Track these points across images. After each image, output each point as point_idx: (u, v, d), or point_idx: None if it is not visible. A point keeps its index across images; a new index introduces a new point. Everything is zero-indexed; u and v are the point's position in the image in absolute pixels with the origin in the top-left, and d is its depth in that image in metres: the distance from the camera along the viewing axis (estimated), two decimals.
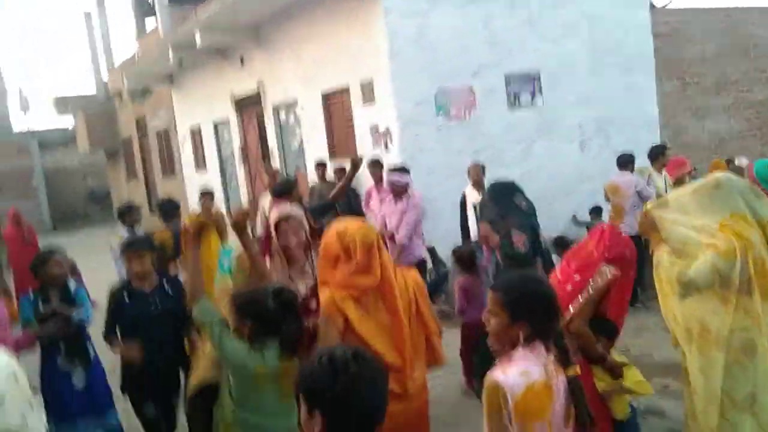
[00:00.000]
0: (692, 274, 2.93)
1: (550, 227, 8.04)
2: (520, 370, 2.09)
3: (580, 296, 3.19)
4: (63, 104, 23.05)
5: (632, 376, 3.35)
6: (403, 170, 6.83)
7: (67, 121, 26.37)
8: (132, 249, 4.12)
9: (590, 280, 3.19)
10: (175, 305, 4.09)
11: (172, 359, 4.17)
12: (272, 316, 2.72)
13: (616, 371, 3.29)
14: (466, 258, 5.35)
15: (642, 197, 7.24)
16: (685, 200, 3.11)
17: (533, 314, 2.15)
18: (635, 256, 3.38)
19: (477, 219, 7.00)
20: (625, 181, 7.30)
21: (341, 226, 2.99)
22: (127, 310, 4.02)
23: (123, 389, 4.21)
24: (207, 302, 2.90)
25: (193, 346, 4.24)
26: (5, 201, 22.58)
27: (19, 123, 34.22)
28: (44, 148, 26.46)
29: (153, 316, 4.04)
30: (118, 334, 4.11)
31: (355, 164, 5.57)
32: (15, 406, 2.12)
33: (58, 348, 4.29)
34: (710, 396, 2.98)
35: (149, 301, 4.07)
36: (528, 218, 4.97)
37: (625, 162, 7.50)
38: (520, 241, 4.79)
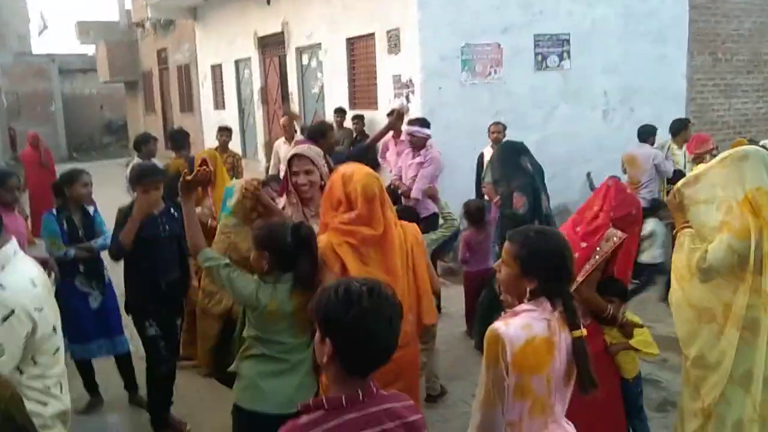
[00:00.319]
0: (711, 260, 2.92)
1: (565, 193, 8.03)
2: (523, 324, 2.11)
3: (587, 264, 3.19)
4: (85, 29, 22.88)
5: (640, 336, 3.43)
6: (423, 122, 6.77)
7: (87, 48, 26.20)
8: (148, 180, 4.14)
9: (597, 247, 3.19)
10: (181, 228, 4.07)
11: (177, 282, 4.27)
12: (290, 250, 2.76)
13: (627, 330, 3.38)
14: (473, 212, 5.39)
15: (659, 171, 7.17)
16: (711, 173, 3.08)
17: (544, 270, 2.15)
18: (641, 212, 3.47)
19: None
20: (644, 153, 7.21)
21: (348, 170, 2.91)
22: (138, 231, 4.05)
23: (127, 309, 4.30)
24: (208, 251, 2.93)
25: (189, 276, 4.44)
26: (23, 124, 22.69)
27: (39, 46, 34.03)
28: (63, 73, 26.38)
29: (160, 238, 4.12)
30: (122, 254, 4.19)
31: (400, 114, 5.52)
32: (51, 314, 2.28)
33: (77, 269, 4.40)
34: (722, 373, 3.00)
35: (157, 222, 4.14)
36: (532, 180, 4.98)
37: (647, 134, 7.39)
38: (519, 202, 4.83)
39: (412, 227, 3.04)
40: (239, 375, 2.90)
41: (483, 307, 5.39)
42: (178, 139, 6.97)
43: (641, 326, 3.47)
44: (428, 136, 6.52)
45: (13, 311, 2.11)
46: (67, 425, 2.37)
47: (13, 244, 2.25)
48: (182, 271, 4.35)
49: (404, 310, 2.88)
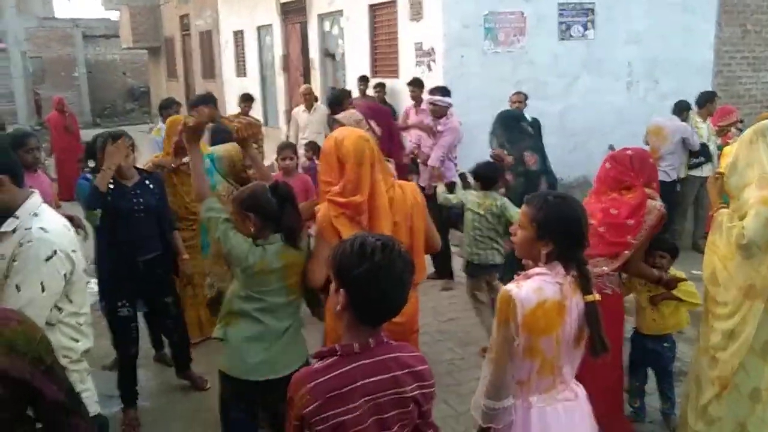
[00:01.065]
0: (750, 234, 2.92)
1: (586, 165, 8.00)
2: (535, 287, 2.16)
3: (635, 239, 3.32)
4: None
5: (684, 287, 3.68)
6: (444, 91, 6.76)
7: (110, 13, 26.24)
8: (115, 138, 3.86)
9: (643, 221, 3.32)
10: (158, 201, 4.02)
11: (158, 259, 4.05)
12: (272, 208, 2.81)
13: (671, 284, 3.64)
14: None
15: (687, 145, 7.10)
16: (741, 155, 3.11)
17: (560, 235, 2.18)
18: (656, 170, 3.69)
19: None
20: (673, 125, 7.11)
21: (341, 134, 2.91)
22: (109, 202, 3.81)
23: (101, 293, 4.08)
24: (213, 201, 2.96)
25: (178, 250, 4.25)
26: (48, 90, 22.92)
27: (62, 10, 34.12)
28: (87, 38, 26.47)
29: (134, 211, 3.89)
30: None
31: None
32: (81, 256, 2.49)
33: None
34: (743, 342, 3.03)
35: (129, 195, 3.90)
36: (537, 141, 5.62)
37: (681, 108, 7.29)
38: (531, 160, 5.34)
39: (411, 187, 3.02)
40: (225, 342, 2.92)
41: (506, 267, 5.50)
42: (204, 101, 7.04)
43: (684, 279, 3.68)
44: (449, 105, 6.51)
45: (55, 251, 2.30)
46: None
47: (37, 194, 2.42)
48: (164, 247, 4.11)
49: None
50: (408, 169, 5.99)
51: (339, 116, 3.55)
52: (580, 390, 2.34)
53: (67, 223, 2.52)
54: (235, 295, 2.92)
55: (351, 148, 2.79)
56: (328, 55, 11.38)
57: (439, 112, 6.47)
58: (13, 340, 1.60)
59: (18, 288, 2.24)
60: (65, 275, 2.35)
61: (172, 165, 4.66)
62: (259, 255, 2.81)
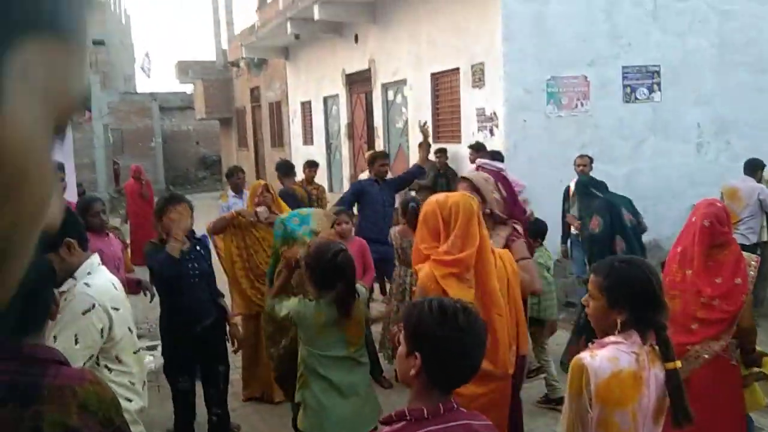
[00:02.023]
0: None
1: (655, 229, 7.75)
2: (609, 356, 2.07)
3: (745, 295, 3.23)
4: (184, 69, 24.23)
5: None
6: (495, 155, 6.76)
7: (185, 86, 27.71)
8: (179, 202, 3.88)
9: (747, 276, 3.25)
10: (209, 267, 4.06)
11: (213, 325, 4.03)
12: (328, 267, 2.94)
13: (757, 360, 3.42)
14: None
15: (764, 206, 6.83)
16: None
17: (631, 301, 2.10)
18: None
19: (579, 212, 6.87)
20: (747, 186, 6.88)
21: (441, 196, 2.99)
22: (165, 270, 3.79)
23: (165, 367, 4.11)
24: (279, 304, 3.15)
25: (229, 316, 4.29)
26: (126, 159, 24.14)
27: (143, 86, 36.30)
28: (163, 110, 27.97)
29: (189, 277, 3.88)
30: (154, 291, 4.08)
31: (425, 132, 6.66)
32: (128, 316, 2.62)
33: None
34: None
35: (185, 260, 3.87)
36: (606, 202, 5.61)
37: (754, 167, 7.07)
38: (594, 223, 5.42)
39: (508, 257, 3.04)
40: (303, 404, 3.01)
41: (578, 327, 5.43)
42: (285, 168, 7.86)
43: (766, 353, 3.46)
44: (500, 170, 6.50)
45: (93, 305, 2.42)
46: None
47: (95, 256, 2.61)
48: (218, 312, 4.10)
49: (509, 339, 2.90)
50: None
51: (468, 174, 3.65)
52: None
53: (117, 282, 2.65)
54: (302, 356, 3.02)
55: (459, 204, 2.84)
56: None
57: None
58: (86, 399, 1.64)
59: (55, 338, 2.33)
60: (102, 330, 2.44)
61: (251, 218, 4.96)
62: (313, 307, 2.94)
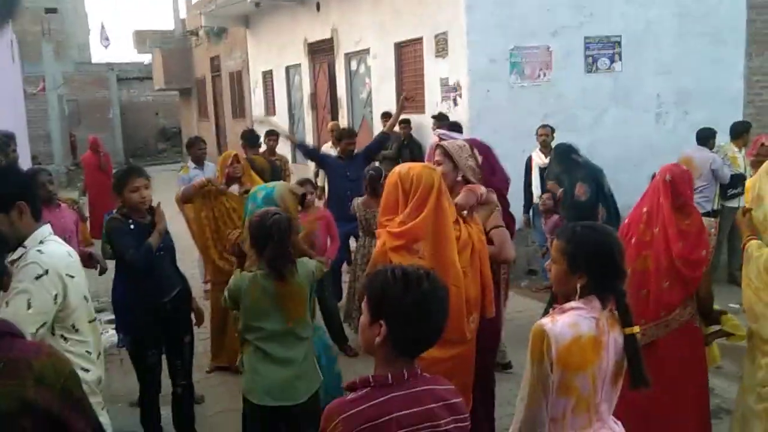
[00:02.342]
0: None
1: (615, 198, 7.88)
2: (570, 322, 2.09)
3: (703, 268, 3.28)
4: (142, 38, 23.61)
5: (730, 321, 3.43)
6: (454, 126, 6.67)
7: (143, 56, 27.03)
8: (138, 175, 3.76)
9: (709, 241, 3.30)
10: (170, 239, 3.98)
11: (180, 296, 3.98)
12: (263, 233, 2.97)
13: (717, 318, 3.47)
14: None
15: (717, 176, 6.98)
16: (765, 188, 3.04)
17: (591, 266, 2.12)
18: None
19: (541, 181, 6.93)
20: (702, 156, 7.02)
21: (404, 167, 2.98)
22: (142, 263, 3.69)
23: (126, 332, 3.97)
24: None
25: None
26: (83, 131, 23.55)
27: (99, 55, 35.27)
28: (121, 81, 27.26)
29: (157, 249, 3.77)
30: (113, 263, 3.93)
31: (402, 101, 6.41)
32: (83, 284, 2.60)
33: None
34: None
35: (147, 234, 3.77)
36: (591, 171, 5.67)
37: (706, 137, 7.21)
38: (581, 190, 5.46)
39: (477, 230, 3.05)
40: (243, 368, 3.13)
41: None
42: (251, 138, 7.81)
43: (725, 312, 3.49)
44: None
45: (46, 271, 2.37)
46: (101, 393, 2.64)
47: (48, 226, 2.55)
48: (182, 283, 4.05)
49: (470, 307, 2.92)
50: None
51: (444, 143, 3.56)
52: (619, 428, 2.24)
53: (73, 252, 2.61)
54: (241, 326, 3.07)
55: (419, 176, 2.85)
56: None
57: None
58: (42, 372, 1.59)
59: (6, 304, 2.29)
60: (56, 296, 2.40)
61: (221, 187, 4.97)
62: (248, 279, 2.97)
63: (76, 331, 2.49)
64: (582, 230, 2.19)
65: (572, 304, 2.14)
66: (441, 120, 7.79)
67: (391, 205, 2.91)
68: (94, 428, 1.68)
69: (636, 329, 2.14)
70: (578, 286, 2.13)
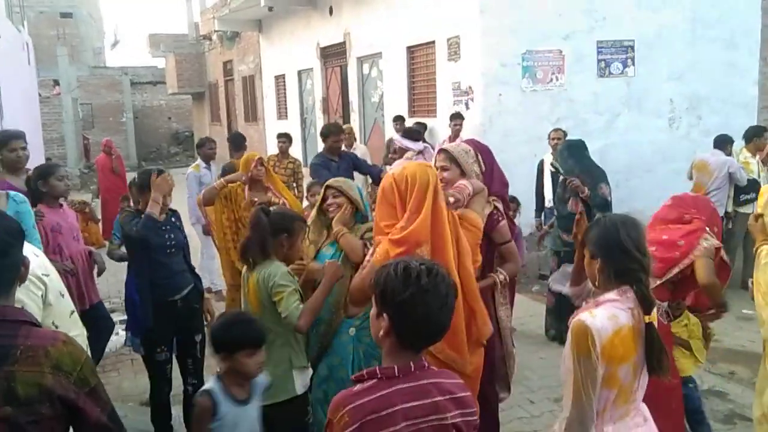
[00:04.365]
0: None
1: (627, 203, 7.85)
2: (608, 314, 2.12)
3: (682, 257, 3.35)
4: (156, 42, 23.78)
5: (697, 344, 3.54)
6: (410, 133, 6.55)
7: (156, 61, 27.22)
8: (160, 173, 3.89)
9: (696, 244, 3.36)
10: (184, 237, 4.04)
11: (192, 294, 4.00)
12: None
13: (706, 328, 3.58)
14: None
15: (734, 179, 6.95)
16: None
17: (604, 252, 2.19)
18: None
19: (553, 185, 6.90)
20: (717, 160, 6.98)
21: (398, 169, 2.81)
22: (144, 230, 3.75)
23: (136, 331, 3.97)
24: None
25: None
26: (97, 134, 23.74)
27: (112, 59, 35.58)
28: (134, 85, 27.46)
29: (167, 248, 3.86)
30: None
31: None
32: (56, 280, 2.61)
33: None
34: None
35: (162, 231, 3.85)
36: (604, 172, 5.76)
37: (723, 142, 7.18)
38: (605, 191, 5.56)
39: (468, 235, 2.90)
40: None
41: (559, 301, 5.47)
42: (237, 141, 7.79)
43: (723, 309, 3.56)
44: (408, 149, 6.32)
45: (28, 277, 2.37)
46: None
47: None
48: (195, 281, 4.08)
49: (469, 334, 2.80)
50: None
51: (447, 146, 3.45)
52: (646, 411, 2.28)
53: (37, 251, 2.63)
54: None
55: (414, 175, 2.69)
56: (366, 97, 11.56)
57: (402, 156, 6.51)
58: (59, 359, 1.62)
59: None
60: (42, 296, 2.42)
61: (243, 179, 5.10)
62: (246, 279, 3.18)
63: (56, 327, 2.45)
64: (604, 219, 2.29)
65: (607, 296, 2.18)
66: (458, 119, 7.91)
67: (388, 210, 2.73)
68: (109, 415, 1.70)
69: (654, 317, 2.17)
70: (596, 269, 2.22)
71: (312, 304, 2.99)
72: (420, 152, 6.40)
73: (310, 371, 3.27)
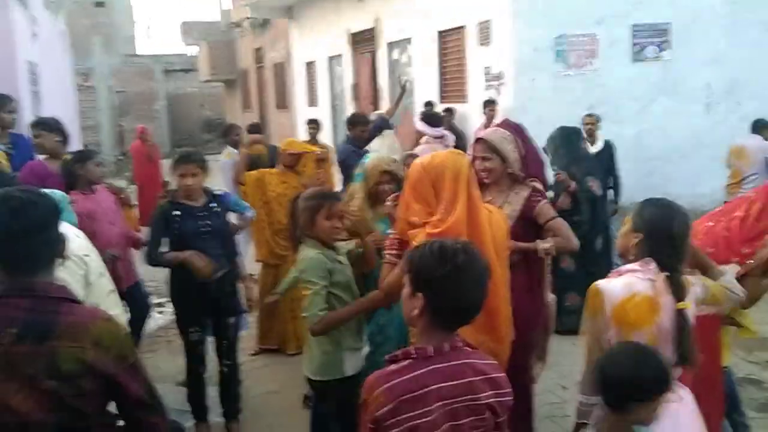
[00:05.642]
0: None
1: (662, 190, 7.72)
2: (624, 282, 2.19)
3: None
4: (188, 30, 23.98)
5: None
6: (431, 119, 6.17)
7: (188, 48, 27.47)
8: (186, 162, 3.89)
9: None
10: (223, 224, 4.04)
11: (225, 279, 4.01)
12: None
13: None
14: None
15: None
16: None
17: (650, 230, 2.21)
18: None
19: None
20: (754, 144, 6.84)
21: (426, 157, 2.66)
22: (175, 226, 3.83)
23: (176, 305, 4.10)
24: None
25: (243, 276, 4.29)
26: (130, 122, 24.07)
27: (145, 47, 35.93)
28: (167, 73, 27.74)
29: (200, 233, 3.85)
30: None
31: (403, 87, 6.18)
32: (97, 260, 2.71)
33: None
34: None
35: (196, 216, 3.88)
36: (595, 163, 5.66)
37: (761, 127, 7.03)
38: (595, 185, 5.38)
39: (500, 214, 2.83)
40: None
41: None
42: (252, 130, 8.03)
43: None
44: (424, 134, 5.89)
45: (68, 256, 2.44)
46: None
47: None
48: (230, 266, 4.07)
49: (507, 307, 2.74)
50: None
51: (484, 134, 3.33)
52: (685, 393, 2.23)
53: (79, 233, 2.72)
54: None
55: (446, 163, 2.55)
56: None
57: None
58: (100, 336, 1.66)
59: None
60: (84, 276, 2.51)
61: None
62: None
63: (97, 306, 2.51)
64: (651, 200, 2.32)
65: (628, 266, 2.24)
66: (489, 106, 7.89)
67: (419, 202, 2.55)
68: (147, 391, 1.75)
69: (686, 305, 2.16)
70: (633, 243, 2.25)
71: (334, 319, 2.87)
72: (439, 138, 6.15)
73: (365, 350, 3.16)
